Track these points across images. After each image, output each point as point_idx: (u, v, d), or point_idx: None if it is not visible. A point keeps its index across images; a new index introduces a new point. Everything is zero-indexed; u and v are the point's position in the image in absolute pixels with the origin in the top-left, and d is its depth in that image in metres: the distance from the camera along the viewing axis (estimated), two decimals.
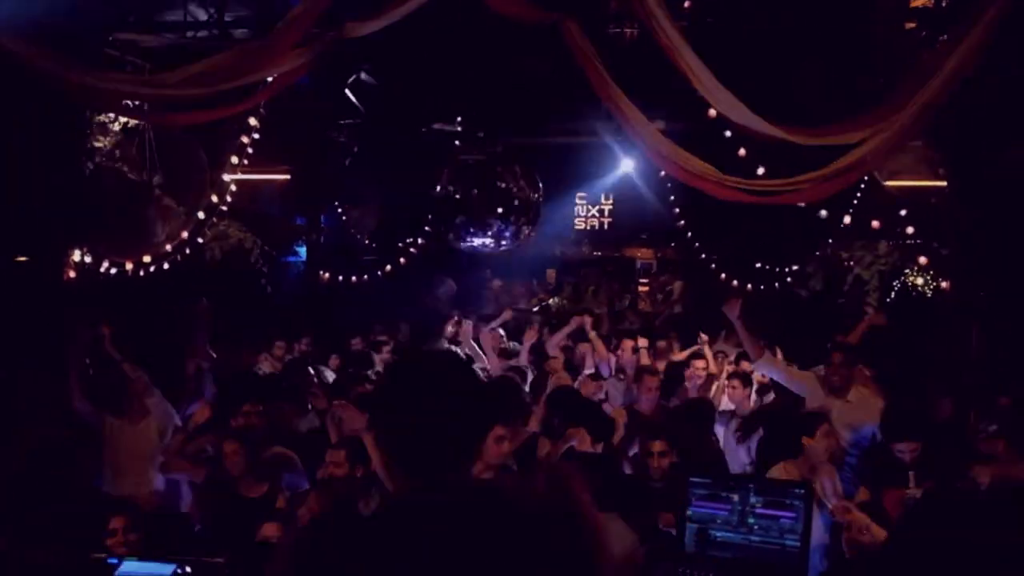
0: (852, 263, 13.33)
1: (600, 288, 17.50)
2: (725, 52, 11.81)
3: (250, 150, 10.99)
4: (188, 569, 5.23)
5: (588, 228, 18.86)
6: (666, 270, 18.26)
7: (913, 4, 11.43)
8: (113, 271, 10.49)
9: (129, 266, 10.54)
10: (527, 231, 15.12)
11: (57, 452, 7.56)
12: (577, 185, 18.38)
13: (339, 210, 15.89)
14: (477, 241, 15.29)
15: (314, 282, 15.51)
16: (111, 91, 8.94)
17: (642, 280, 18.76)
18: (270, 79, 9.75)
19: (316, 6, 8.99)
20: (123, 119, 10.79)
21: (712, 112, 10.38)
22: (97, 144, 10.83)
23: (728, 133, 10.39)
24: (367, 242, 16.28)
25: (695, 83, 10.11)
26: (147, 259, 10.63)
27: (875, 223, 10.68)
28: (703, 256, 14.57)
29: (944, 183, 10.89)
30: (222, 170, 11.31)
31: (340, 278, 15.01)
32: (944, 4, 9.71)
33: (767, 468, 6.82)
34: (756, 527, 5.64)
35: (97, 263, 10.42)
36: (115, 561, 5.26)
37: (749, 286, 13.94)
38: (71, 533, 5.77)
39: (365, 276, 15.27)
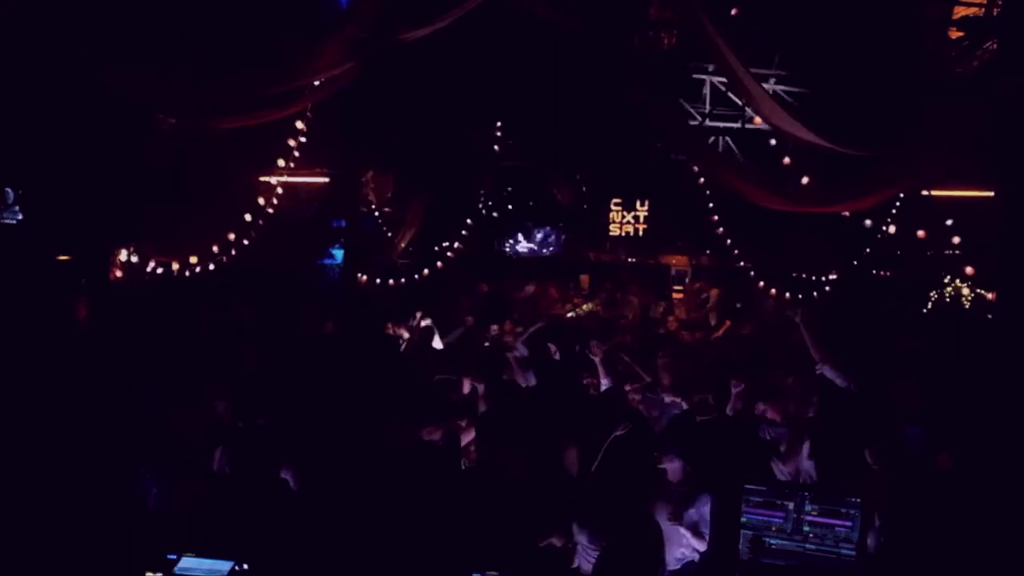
0: None
1: (634, 295, 17.42)
2: (767, 59, 11.84)
3: (297, 153, 11.05)
4: (246, 566, 5.29)
5: (623, 234, 18.81)
6: (701, 277, 18.16)
7: (959, 14, 11.40)
8: (159, 271, 10.59)
9: (175, 266, 10.64)
10: (567, 237, 15.19)
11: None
12: (613, 191, 18.40)
13: (376, 214, 15.93)
14: (520, 246, 15.49)
15: (350, 285, 15.55)
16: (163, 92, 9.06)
17: (676, 287, 18.67)
18: (317, 83, 9.85)
19: (364, 10, 9.08)
20: (171, 121, 10.86)
21: (757, 120, 10.41)
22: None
23: (773, 142, 10.40)
24: (404, 246, 16.33)
25: (739, 90, 10.15)
26: (193, 259, 10.73)
27: (920, 232, 10.63)
28: (741, 264, 14.52)
29: (991, 193, 10.82)
30: (268, 173, 11.39)
31: (377, 281, 15.04)
32: (995, 12, 9.65)
33: None
34: (811, 535, 5.64)
35: (143, 263, 10.52)
36: (174, 557, 5.32)
37: (787, 295, 13.87)
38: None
39: (402, 280, 15.31)
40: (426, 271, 15.53)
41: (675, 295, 18.40)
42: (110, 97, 9.39)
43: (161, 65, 9.79)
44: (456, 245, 15.84)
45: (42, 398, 8.26)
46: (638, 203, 18.64)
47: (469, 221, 15.54)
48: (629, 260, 18.99)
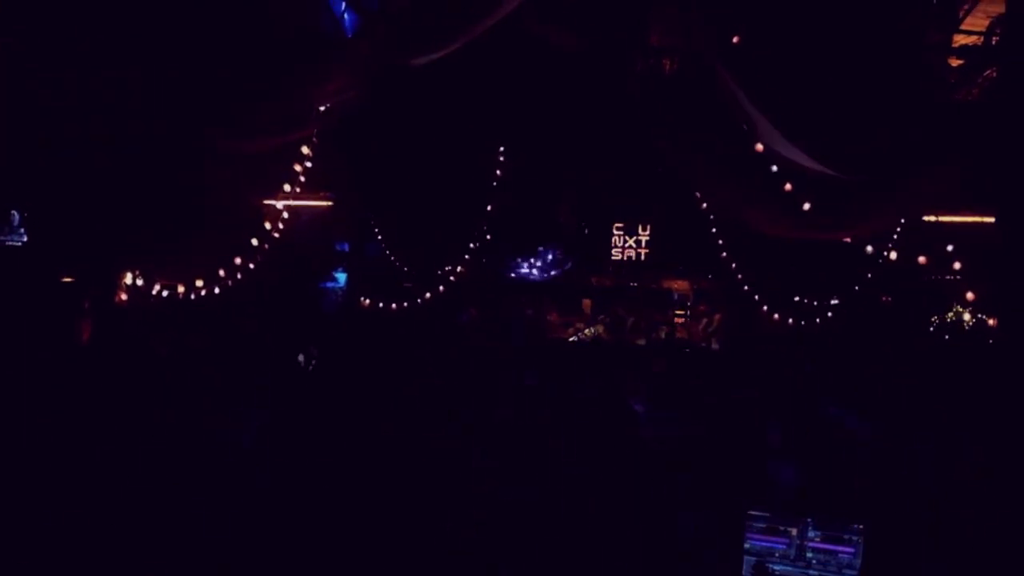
0: None
1: (639, 319, 17.48)
2: (769, 85, 11.89)
3: (303, 178, 11.10)
4: None
5: (625, 259, 18.85)
6: (703, 301, 18.22)
7: (959, 42, 11.48)
8: (165, 293, 10.63)
9: (181, 289, 10.67)
10: (569, 261, 15.32)
11: None
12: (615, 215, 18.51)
13: (379, 237, 16.00)
14: (523, 270, 15.57)
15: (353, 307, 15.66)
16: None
17: (678, 311, 18.71)
18: (323, 108, 9.92)
19: (373, 35, 9.15)
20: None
21: (759, 147, 10.44)
22: None
23: (775, 168, 10.43)
24: (406, 269, 16.38)
25: (741, 117, 10.21)
26: (199, 283, 10.75)
27: (921, 259, 10.65)
28: (745, 288, 14.56)
29: (991, 218, 10.84)
30: (274, 197, 11.44)
31: (380, 304, 15.12)
32: (993, 41, 9.72)
33: None
34: (814, 561, 5.67)
35: (148, 286, 10.56)
36: None
37: (790, 320, 13.92)
38: None
39: (405, 304, 15.36)
40: (428, 294, 15.59)
41: (677, 319, 18.46)
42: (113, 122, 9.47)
43: (162, 89, 9.90)
44: (459, 269, 15.89)
45: (44, 419, 8.30)
46: (640, 228, 18.72)
47: (472, 245, 15.60)
48: (631, 284, 19.00)
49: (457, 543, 6.16)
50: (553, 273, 18.23)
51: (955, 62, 11.56)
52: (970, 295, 10.80)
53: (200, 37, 10.24)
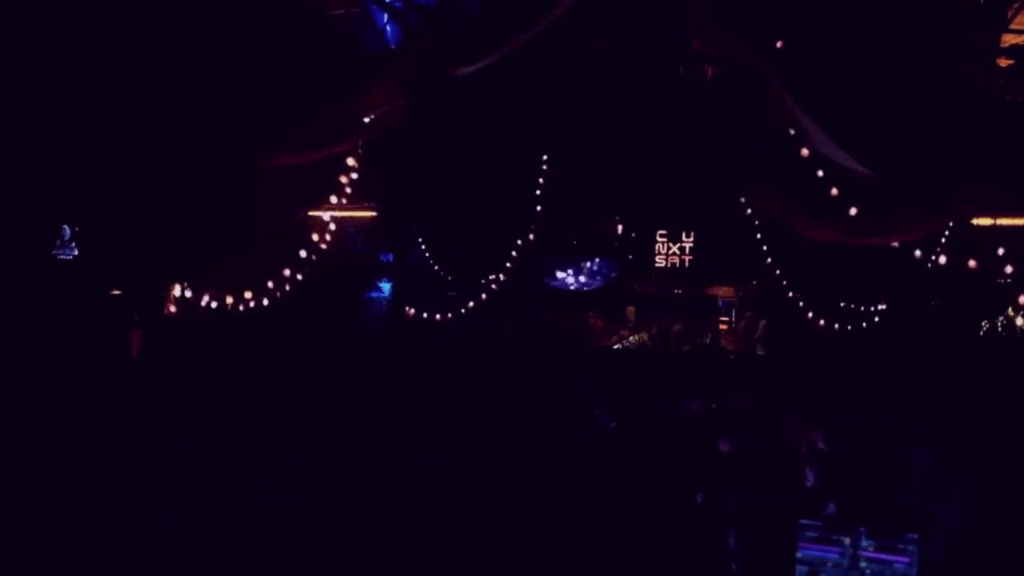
0: None
1: (685, 327, 17.33)
2: (814, 88, 11.82)
3: (348, 190, 11.15)
4: None
5: (669, 266, 18.74)
6: (748, 308, 18.02)
7: (1009, 42, 11.34)
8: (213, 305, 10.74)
9: (229, 300, 10.77)
10: (614, 271, 15.32)
11: None
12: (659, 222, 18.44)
13: (423, 246, 16.05)
14: (568, 280, 15.62)
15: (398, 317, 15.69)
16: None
17: (723, 318, 18.55)
18: (368, 120, 9.99)
19: (415, 48, 9.23)
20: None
21: (805, 151, 10.37)
22: None
23: (821, 172, 10.35)
24: (450, 279, 16.40)
25: (789, 121, 10.16)
26: (248, 294, 10.85)
27: (971, 262, 10.50)
28: (790, 295, 14.42)
29: None
30: (320, 208, 11.53)
31: (424, 315, 15.14)
32: None
33: None
34: (868, 571, 5.56)
35: (197, 298, 10.67)
36: None
37: (836, 326, 13.76)
38: None
39: (449, 314, 15.38)
40: (472, 303, 15.60)
41: (721, 326, 18.30)
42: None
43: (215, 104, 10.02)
44: (502, 278, 15.88)
45: (96, 429, 8.43)
46: (684, 234, 18.61)
47: (515, 254, 15.60)
48: (676, 292, 18.88)
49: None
50: (597, 283, 18.21)
51: (1004, 62, 11.41)
52: (1022, 299, 10.63)
53: (246, 49, 10.39)
